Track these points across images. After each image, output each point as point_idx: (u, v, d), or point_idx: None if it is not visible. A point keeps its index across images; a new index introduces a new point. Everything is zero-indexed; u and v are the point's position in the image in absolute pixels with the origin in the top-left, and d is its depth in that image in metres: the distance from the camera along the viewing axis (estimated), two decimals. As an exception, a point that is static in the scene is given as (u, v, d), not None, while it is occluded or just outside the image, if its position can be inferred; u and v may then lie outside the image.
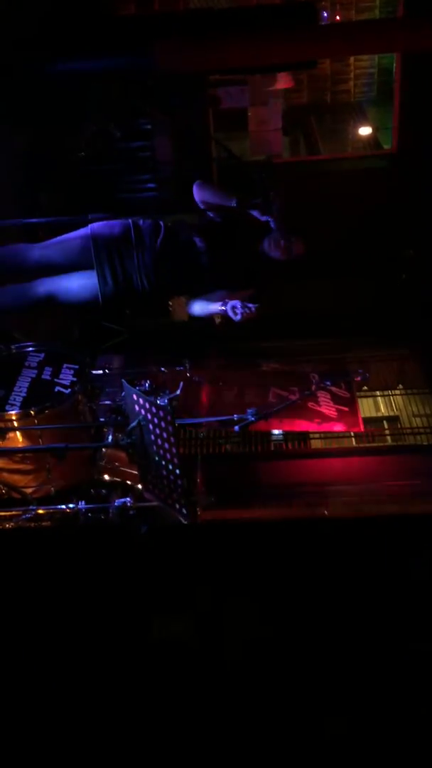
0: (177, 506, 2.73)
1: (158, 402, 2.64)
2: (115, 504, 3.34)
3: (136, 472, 3.39)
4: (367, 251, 6.23)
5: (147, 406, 2.65)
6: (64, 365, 3.48)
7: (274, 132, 8.80)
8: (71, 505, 3.31)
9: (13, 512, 3.27)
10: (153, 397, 2.70)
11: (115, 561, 1.95)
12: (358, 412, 4.87)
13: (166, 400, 2.82)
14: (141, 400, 2.68)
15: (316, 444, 5.95)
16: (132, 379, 3.50)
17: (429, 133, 6.45)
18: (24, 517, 3.24)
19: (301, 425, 5.34)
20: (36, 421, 3.20)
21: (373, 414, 6.51)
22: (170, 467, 2.65)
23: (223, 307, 3.45)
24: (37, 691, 1.68)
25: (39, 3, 5.22)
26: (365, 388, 6.40)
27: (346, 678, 1.72)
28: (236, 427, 2.84)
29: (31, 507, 3.25)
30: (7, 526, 3.25)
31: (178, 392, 3.05)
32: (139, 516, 3.25)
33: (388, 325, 6.02)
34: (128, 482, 3.55)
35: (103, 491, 3.53)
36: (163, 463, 2.67)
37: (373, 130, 8.98)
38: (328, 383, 4.23)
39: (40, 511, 3.28)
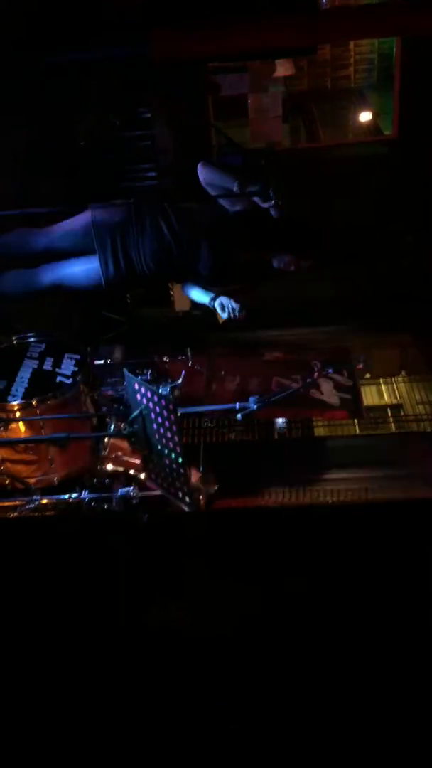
0: (180, 495, 2.74)
1: (160, 391, 2.64)
2: (119, 493, 3.35)
3: (138, 462, 3.40)
4: (368, 237, 6.21)
5: (149, 395, 2.65)
6: (66, 355, 3.48)
7: (275, 119, 8.76)
8: (74, 495, 3.33)
9: (17, 502, 3.28)
10: (155, 386, 2.70)
11: (116, 549, 1.96)
12: (361, 400, 4.87)
13: (167, 389, 2.82)
14: (143, 389, 2.68)
15: (319, 432, 5.95)
16: (133, 368, 3.51)
17: (429, 118, 6.42)
18: (27, 507, 3.25)
19: (304, 413, 5.34)
20: (38, 412, 3.20)
21: (377, 402, 6.51)
22: (173, 456, 2.65)
23: (212, 303, 3.46)
24: (39, 677, 1.68)
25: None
26: (368, 375, 6.40)
27: (350, 670, 1.72)
28: (239, 416, 2.85)
29: (34, 497, 3.26)
30: (11, 515, 3.27)
31: (180, 381, 3.06)
32: (143, 505, 3.27)
33: (390, 311, 6.00)
34: (131, 472, 3.56)
35: (106, 481, 3.54)
36: (166, 452, 2.68)
37: (373, 115, 8.93)
38: (330, 371, 4.23)
39: (44, 501, 3.29)
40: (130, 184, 6.31)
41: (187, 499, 2.72)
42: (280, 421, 5.77)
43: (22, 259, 3.55)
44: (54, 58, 5.13)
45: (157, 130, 6.33)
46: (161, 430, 2.65)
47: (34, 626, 1.80)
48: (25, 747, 1.58)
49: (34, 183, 5.09)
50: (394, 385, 6.59)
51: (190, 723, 1.62)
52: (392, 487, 4.80)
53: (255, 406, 2.83)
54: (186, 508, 2.74)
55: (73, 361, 3.44)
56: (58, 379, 3.34)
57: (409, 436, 5.78)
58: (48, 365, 3.43)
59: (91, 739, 1.60)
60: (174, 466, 2.68)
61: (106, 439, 3.50)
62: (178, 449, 2.62)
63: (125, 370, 2.84)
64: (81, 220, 3.44)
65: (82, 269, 3.43)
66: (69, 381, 3.33)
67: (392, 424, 6.13)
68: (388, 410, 6.35)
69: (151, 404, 2.65)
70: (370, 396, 6.43)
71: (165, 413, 2.60)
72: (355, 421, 5.82)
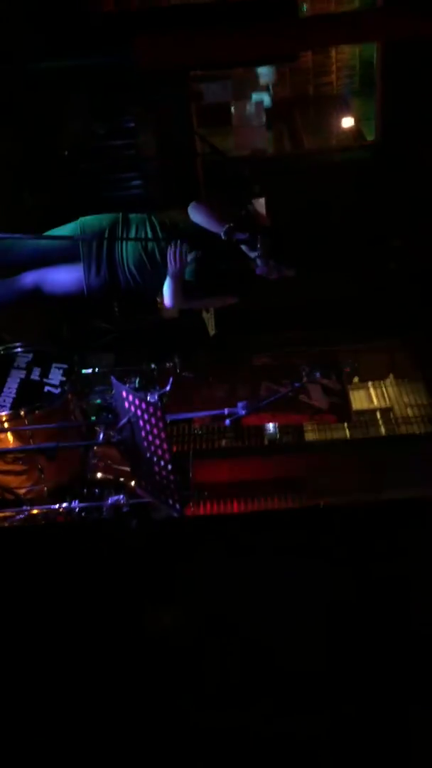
0: (170, 502, 2.73)
1: (148, 398, 2.64)
2: (109, 502, 3.34)
3: (128, 469, 3.39)
4: (354, 242, 6.23)
5: (137, 402, 2.64)
6: (53, 365, 3.47)
7: (258, 127, 8.80)
8: (65, 505, 3.32)
9: (7, 513, 3.27)
10: (143, 393, 2.70)
11: (107, 556, 1.95)
12: (350, 403, 4.89)
13: (155, 396, 2.82)
14: (131, 397, 2.67)
15: (309, 437, 5.97)
16: (121, 376, 3.51)
17: (411, 123, 6.47)
18: (18, 518, 3.24)
19: (293, 418, 5.35)
20: (26, 422, 3.19)
21: (366, 406, 6.53)
22: (162, 463, 2.65)
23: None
24: (36, 680, 1.68)
25: (17, 1, 5.20)
26: (356, 379, 6.42)
27: (351, 670, 1.72)
28: (227, 421, 2.85)
29: (24, 507, 3.25)
30: (1, 526, 3.25)
31: (168, 388, 3.06)
32: (133, 513, 3.26)
33: (378, 315, 6.03)
34: (121, 479, 3.55)
35: (96, 490, 3.53)
36: (155, 459, 2.67)
37: (356, 121, 8.98)
38: (318, 375, 4.24)
39: (34, 512, 3.28)
40: (116, 193, 6.31)
41: (177, 505, 2.71)
42: (270, 426, 5.79)
43: (7, 265, 3.53)
44: (37, 66, 5.13)
45: (141, 138, 6.34)
46: (150, 438, 2.64)
47: (25, 637, 1.79)
48: (24, 751, 1.57)
49: (18, 193, 5.09)
50: (383, 388, 6.61)
51: (184, 727, 1.62)
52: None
53: (243, 412, 2.84)
54: (175, 515, 2.73)
55: (61, 371, 3.44)
56: (46, 389, 3.34)
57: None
58: (35, 375, 3.42)
59: (88, 743, 1.59)
60: (163, 473, 2.67)
61: (95, 448, 3.49)
62: (167, 456, 2.61)
63: (113, 378, 2.84)
64: (69, 226, 3.44)
65: (65, 276, 3.41)
66: (57, 391, 3.32)
67: (382, 428, 6.16)
68: (378, 413, 6.37)
69: (139, 411, 2.65)
70: (359, 400, 6.44)
71: (153, 420, 2.59)
72: (345, 424, 5.85)
